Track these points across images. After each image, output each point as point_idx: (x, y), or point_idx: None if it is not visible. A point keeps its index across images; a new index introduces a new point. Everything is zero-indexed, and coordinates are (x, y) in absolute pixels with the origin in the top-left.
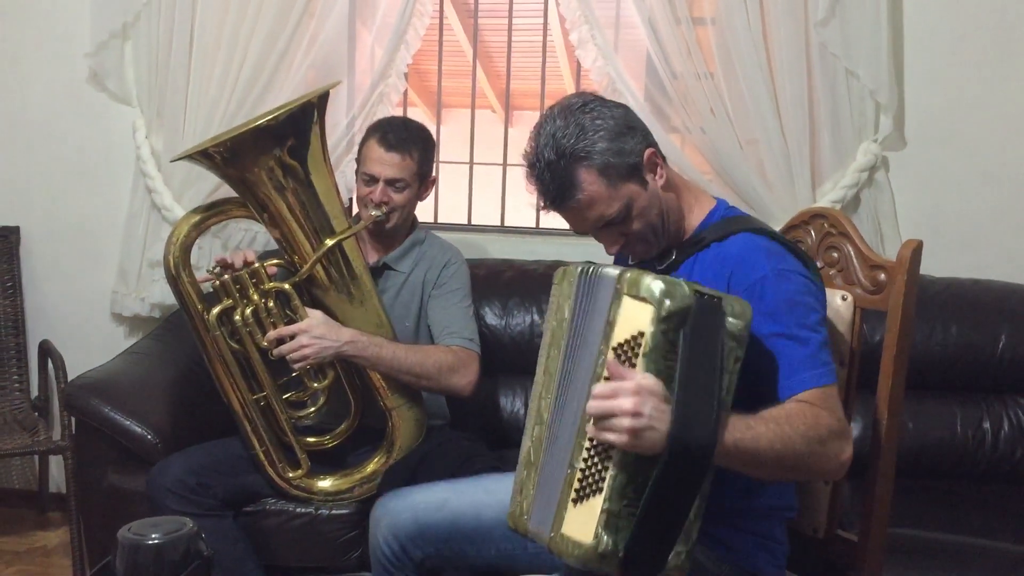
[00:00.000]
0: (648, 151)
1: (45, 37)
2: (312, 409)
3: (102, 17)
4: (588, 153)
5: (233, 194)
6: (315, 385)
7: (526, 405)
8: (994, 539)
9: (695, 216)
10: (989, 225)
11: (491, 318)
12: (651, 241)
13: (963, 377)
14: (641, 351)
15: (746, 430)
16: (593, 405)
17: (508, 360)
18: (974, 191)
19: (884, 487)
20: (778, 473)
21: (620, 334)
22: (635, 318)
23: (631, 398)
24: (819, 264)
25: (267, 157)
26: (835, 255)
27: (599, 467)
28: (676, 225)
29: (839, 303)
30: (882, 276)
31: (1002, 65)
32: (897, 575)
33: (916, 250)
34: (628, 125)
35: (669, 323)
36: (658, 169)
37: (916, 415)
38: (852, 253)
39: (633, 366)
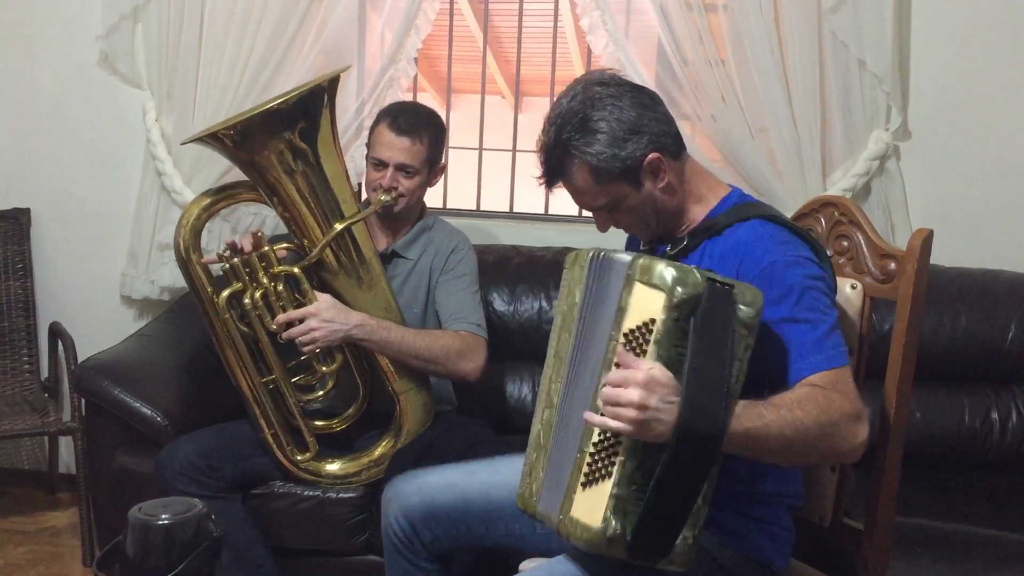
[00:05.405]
0: (651, 157)
1: (56, 19)
2: (320, 393)
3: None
4: (582, 152)
5: (243, 177)
6: (323, 369)
7: (533, 391)
8: (1001, 529)
9: (706, 204)
10: (1000, 215)
11: (499, 304)
12: (643, 229)
13: (972, 367)
14: (652, 338)
15: (757, 418)
16: (603, 392)
17: (516, 346)
18: (986, 181)
19: (891, 476)
20: (791, 459)
21: (631, 320)
22: (646, 305)
23: (639, 390)
24: (829, 252)
25: (277, 140)
26: (845, 243)
27: (609, 452)
28: (673, 222)
29: (849, 291)
30: (892, 265)
31: (1014, 52)
32: (903, 564)
33: (927, 239)
34: (635, 129)
35: (680, 311)
36: (660, 174)
37: (924, 405)
38: (862, 241)
39: (644, 353)
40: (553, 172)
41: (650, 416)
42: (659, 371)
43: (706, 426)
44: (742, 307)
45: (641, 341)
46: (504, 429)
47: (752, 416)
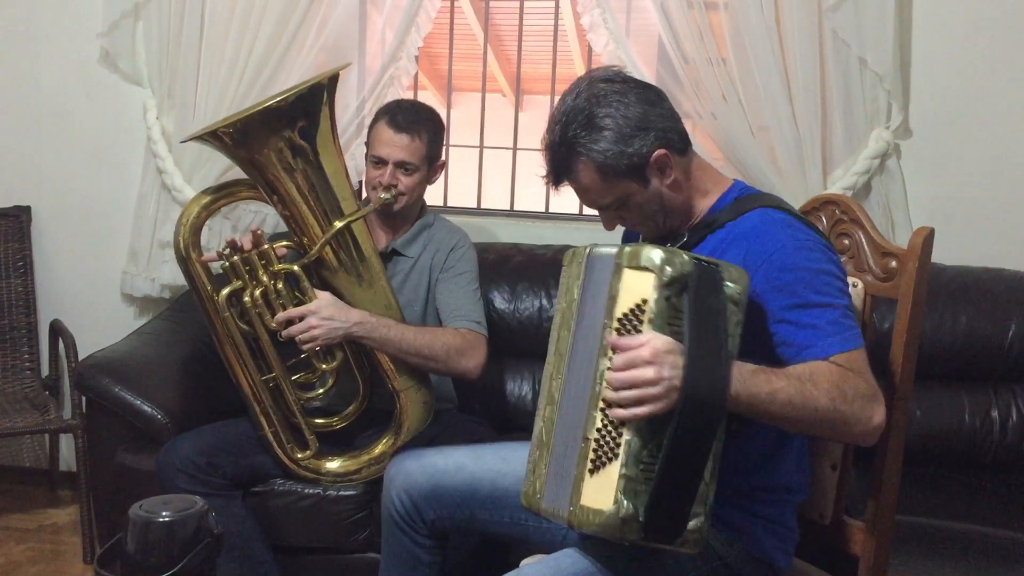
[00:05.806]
0: (657, 153)
1: (57, 17)
2: (321, 390)
3: None
4: (588, 149)
5: (243, 175)
6: (323, 366)
7: (534, 390)
8: (1001, 527)
9: (710, 199)
10: (1001, 213)
11: (499, 302)
12: (650, 226)
13: (972, 366)
14: (646, 317)
15: (765, 384)
16: (615, 377)
17: (516, 344)
18: (986, 179)
19: (891, 474)
20: (799, 428)
21: (623, 305)
22: (637, 287)
23: (651, 367)
24: None
25: (277, 138)
26: (846, 242)
27: (613, 435)
28: (680, 218)
29: (849, 290)
30: (893, 263)
31: (1015, 52)
32: (903, 562)
33: (927, 238)
34: (641, 126)
35: (671, 288)
36: (667, 171)
37: (924, 403)
38: (863, 240)
39: (639, 333)
40: (559, 170)
41: (667, 386)
42: (659, 340)
43: (710, 388)
44: (729, 284)
45: (636, 323)
46: (504, 427)
47: (760, 382)
